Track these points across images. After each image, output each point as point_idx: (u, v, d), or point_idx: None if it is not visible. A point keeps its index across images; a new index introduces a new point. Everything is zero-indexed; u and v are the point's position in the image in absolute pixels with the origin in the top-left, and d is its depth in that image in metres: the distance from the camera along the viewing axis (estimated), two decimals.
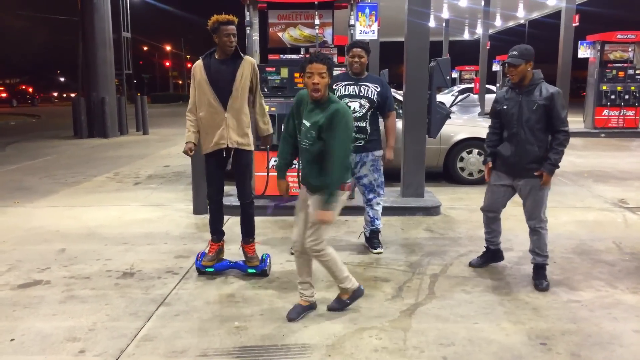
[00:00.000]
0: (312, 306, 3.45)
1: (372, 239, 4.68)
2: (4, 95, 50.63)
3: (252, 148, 4.08)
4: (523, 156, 3.80)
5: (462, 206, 6.36)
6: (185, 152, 3.97)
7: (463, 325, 3.24)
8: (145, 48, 58.95)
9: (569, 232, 5.22)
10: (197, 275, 4.11)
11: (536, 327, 3.22)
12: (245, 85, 3.93)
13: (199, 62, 3.94)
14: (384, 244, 4.73)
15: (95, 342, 3.08)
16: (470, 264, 4.28)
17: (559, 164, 3.75)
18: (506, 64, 3.77)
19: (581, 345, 3.00)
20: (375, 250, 4.63)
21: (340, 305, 3.47)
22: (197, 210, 5.97)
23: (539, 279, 3.88)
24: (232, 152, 3.99)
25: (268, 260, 4.14)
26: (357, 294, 3.48)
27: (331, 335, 3.13)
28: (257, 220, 5.59)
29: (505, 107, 3.90)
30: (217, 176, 4.10)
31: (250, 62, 3.96)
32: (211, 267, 4.08)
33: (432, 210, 5.93)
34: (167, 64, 64.57)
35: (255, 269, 4.08)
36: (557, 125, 3.71)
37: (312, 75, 3.11)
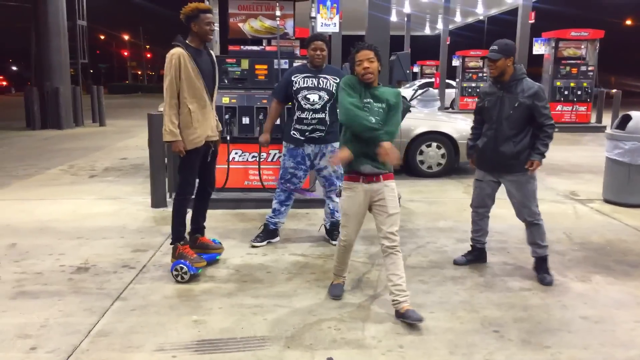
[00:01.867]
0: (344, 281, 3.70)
1: (333, 231, 4.70)
2: None
3: None
4: (500, 153, 3.81)
5: (421, 199, 6.47)
6: (179, 152, 3.81)
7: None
8: (102, 37, 57.25)
9: (522, 223, 5.38)
10: (154, 269, 4.04)
11: (490, 315, 3.32)
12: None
13: (184, 52, 3.70)
14: None
15: (47, 338, 2.99)
16: (455, 262, 4.20)
17: (546, 154, 3.77)
18: (486, 58, 3.76)
19: (532, 332, 3.11)
20: (335, 243, 4.65)
21: (416, 315, 3.17)
22: (155, 204, 5.87)
23: (543, 273, 3.85)
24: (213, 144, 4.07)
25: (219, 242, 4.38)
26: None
27: (290, 327, 3.13)
28: (217, 213, 5.57)
29: (486, 103, 3.90)
30: (197, 172, 4.03)
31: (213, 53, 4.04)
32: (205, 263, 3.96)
33: None
34: (125, 53, 62.91)
35: (220, 254, 4.25)
36: (542, 120, 3.71)
37: (361, 62, 3.23)
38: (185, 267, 3.79)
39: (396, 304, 3.24)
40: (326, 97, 4.40)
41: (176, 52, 3.70)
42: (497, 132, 3.82)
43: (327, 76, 4.43)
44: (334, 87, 4.39)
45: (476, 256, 4.24)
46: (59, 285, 3.75)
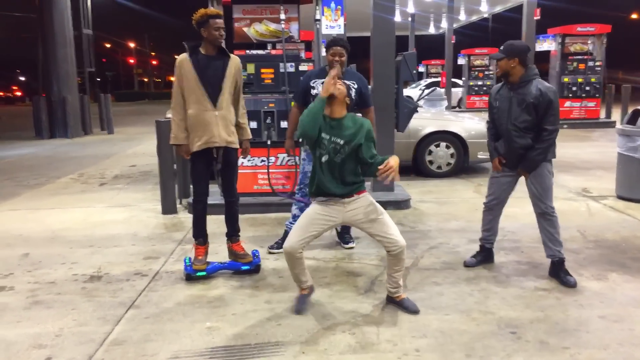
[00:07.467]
0: (311, 291, 3.54)
1: (344, 234, 4.68)
2: None
3: (238, 146, 4.03)
4: (513, 151, 3.83)
5: (432, 199, 6.43)
6: (181, 155, 3.98)
7: (435, 317, 3.28)
8: (108, 45, 57.56)
9: (535, 221, 5.31)
10: (167, 276, 4.04)
11: (506, 316, 3.28)
12: (232, 84, 3.91)
13: (185, 57, 3.81)
14: (355, 239, 4.74)
15: (62, 348, 2.99)
16: (465, 264, 4.16)
17: (538, 161, 3.77)
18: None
19: (549, 332, 3.07)
20: (347, 245, 4.63)
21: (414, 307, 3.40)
22: (165, 210, 5.87)
23: (564, 275, 3.76)
24: (221, 151, 3.94)
25: (259, 255, 4.18)
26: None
27: (304, 332, 3.11)
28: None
29: (497, 103, 3.90)
30: (205, 176, 4.01)
31: (237, 61, 3.97)
32: (203, 270, 3.95)
33: (402, 204, 5.97)
34: (132, 61, 63.28)
35: (249, 265, 4.07)
36: (543, 122, 3.69)
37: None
38: (186, 261, 4.00)
39: (393, 294, 3.46)
40: None
41: (179, 58, 3.84)
42: (507, 133, 3.84)
43: (345, 80, 4.37)
44: (352, 92, 4.35)
45: (485, 257, 4.22)
46: (72, 294, 3.75)
